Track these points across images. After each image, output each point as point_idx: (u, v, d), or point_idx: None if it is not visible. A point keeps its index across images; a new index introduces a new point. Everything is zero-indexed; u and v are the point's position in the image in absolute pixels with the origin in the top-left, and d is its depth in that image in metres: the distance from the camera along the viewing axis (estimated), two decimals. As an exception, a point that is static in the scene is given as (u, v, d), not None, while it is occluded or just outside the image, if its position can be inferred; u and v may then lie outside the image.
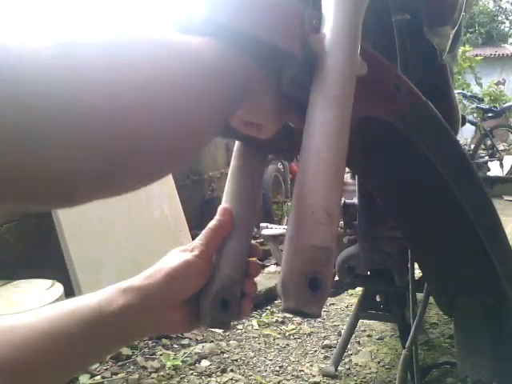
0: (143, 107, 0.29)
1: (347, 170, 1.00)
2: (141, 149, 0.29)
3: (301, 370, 1.65)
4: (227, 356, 1.75)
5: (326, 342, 1.86)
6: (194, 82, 0.32)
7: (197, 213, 2.89)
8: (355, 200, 1.13)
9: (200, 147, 0.37)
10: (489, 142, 6.05)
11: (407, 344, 1.06)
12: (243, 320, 2.04)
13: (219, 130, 0.37)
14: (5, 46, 0.24)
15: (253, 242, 0.51)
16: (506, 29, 21.56)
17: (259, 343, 1.87)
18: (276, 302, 2.24)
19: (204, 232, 0.49)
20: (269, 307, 2.20)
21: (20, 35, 0.24)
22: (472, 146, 5.93)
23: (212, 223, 0.49)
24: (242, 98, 0.38)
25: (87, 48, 0.27)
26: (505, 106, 6.85)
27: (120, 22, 0.31)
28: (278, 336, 1.93)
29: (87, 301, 0.44)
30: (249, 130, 0.45)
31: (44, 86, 0.24)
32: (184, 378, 1.58)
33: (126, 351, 1.68)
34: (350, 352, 1.77)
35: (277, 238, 1.32)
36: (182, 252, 0.49)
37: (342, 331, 1.72)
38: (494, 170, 6.02)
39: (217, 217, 0.50)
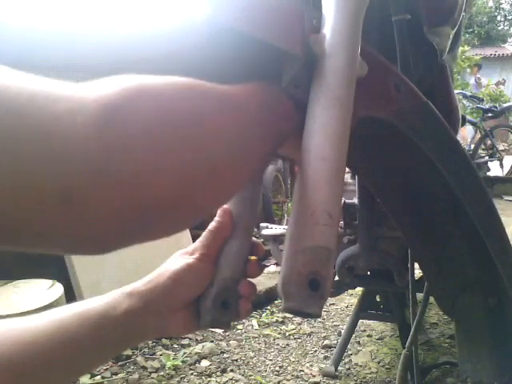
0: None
1: (347, 169, 1.00)
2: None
3: (301, 370, 1.65)
4: (227, 356, 1.74)
5: (326, 342, 1.86)
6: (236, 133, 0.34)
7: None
8: (355, 200, 1.13)
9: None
10: (489, 142, 6.06)
11: (407, 344, 1.06)
12: (243, 320, 2.04)
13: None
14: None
15: (255, 240, 0.51)
16: (506, 28, 21.56)
17: (259, 343, 1.87)
18: (276, 301, 2.24)
19: (204, 234, 0.49)
20: (269, 307, 2.20)
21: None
22: (472, 146, 5.93)
23: (212, 225, 0.49)
24: (279, 142, 0.40)
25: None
26: (505, 106, 6.86)
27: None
28: (278, 336, 1.93)
29: (93, 304, 0.45)
30: None
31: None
32: (184, 377, 1.58)
33: (126, 351, 1.68)
34: (350, 352, 1.77)
35: (277, 238, 1.32)
36: (183, 255, 0.49)
37: (342, 331, 1.72)
38: (494, 169, 6.02)
39: (217, 218, 0.50)
